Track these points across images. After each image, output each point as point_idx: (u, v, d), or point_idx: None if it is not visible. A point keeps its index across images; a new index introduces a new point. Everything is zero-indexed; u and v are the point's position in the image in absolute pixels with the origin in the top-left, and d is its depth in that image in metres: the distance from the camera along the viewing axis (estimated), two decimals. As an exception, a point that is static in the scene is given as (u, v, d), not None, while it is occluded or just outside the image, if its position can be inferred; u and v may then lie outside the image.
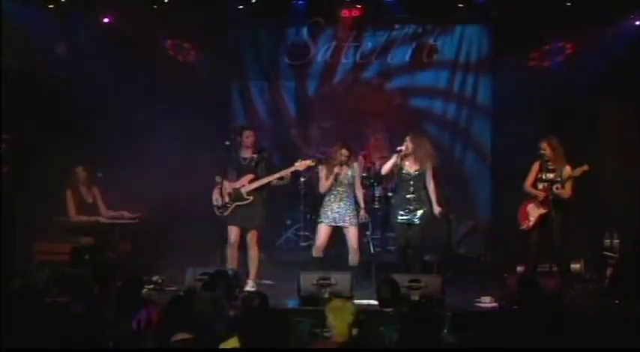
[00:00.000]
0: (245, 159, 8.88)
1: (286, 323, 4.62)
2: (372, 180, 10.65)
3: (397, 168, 8.65)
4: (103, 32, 10.40)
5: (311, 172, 10.11)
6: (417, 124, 11.28)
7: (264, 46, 11.51)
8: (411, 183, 8.60)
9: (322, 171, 8.84)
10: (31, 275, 8.52)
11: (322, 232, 8.79)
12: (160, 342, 5.07)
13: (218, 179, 8.90)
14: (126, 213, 9.41)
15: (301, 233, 10.80)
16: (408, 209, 8.61)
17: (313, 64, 11.59)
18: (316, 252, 8.81)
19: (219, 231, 9.02)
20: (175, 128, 10.34)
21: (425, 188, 8.66)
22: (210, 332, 4.99)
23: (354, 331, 5.14)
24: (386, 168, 8.73)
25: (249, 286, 8.66)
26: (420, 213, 8.60)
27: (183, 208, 10.09)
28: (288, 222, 11.17)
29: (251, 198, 8.77)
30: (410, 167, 8.63)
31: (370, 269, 9.19)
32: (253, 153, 8.88)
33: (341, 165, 8.73)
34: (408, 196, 8.62)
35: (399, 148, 8.58)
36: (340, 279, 7.96)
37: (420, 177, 8.61)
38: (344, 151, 8.76)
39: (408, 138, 8.64)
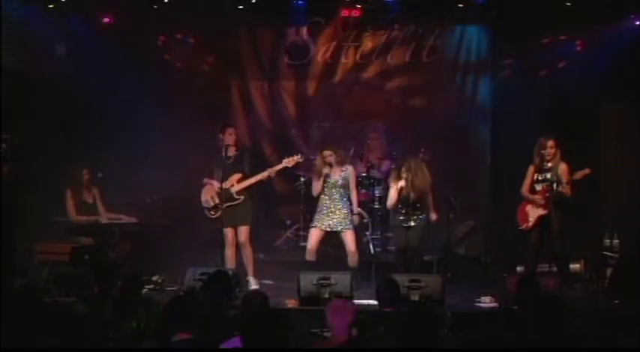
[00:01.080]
0: (229, 157, 8.89)
1: (286, 323, 4.61)
2: (371, 180, 10.65)
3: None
4: (103, 32, 10.39)
5: (311, 172, 10.12)
6: (416, 124, 11.31)
7: (264, 46, 11.51)
8: (410, 202, 8.65)
9: (314, 174, 8.90)
10: (31, 275, 8.51)
11: (313, 236, 8.85)
12: (160, 342, 5.07)
13: (205, 180, 8.92)
14: (124, 217, 9.41)
15: (301, 233, 10.79)
16: (407, 213, 8.64)
17: (313, 64, 11.59)
18: (309, 255, 8.83)
19: (218, 231, 9.02)
20: (175, 128, 10.35)
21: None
22: (210, 332, 4.99)
23: (354, 331, 5.14)
24: (392, 203, 8.73)
25: (252, 284, 8.69)
26: (418, 215, 8.64)
27: (183, 208, 10.09)
28: (288, 222, 11.17)
29: (242, 197, 8.78)
30: (408, 194, 8.63)
31: (370, 269, 9.19)
32: (236, 150, 8.90)
33: (331, 166, 8.74)
34: (406, 208, 8.67)
35: (400, 184, 8.58)
36: (340, 279, 7.96)
37: (420, 202, 8.64)
38: (325, 153, 8.79)
39: (404, 169, 8.64)
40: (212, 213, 8.88)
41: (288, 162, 8.81)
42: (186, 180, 10.06)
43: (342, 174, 8.83)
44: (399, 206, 8.70)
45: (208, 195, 8.90)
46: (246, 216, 8.86)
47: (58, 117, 10.01)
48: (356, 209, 8.97)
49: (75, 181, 9.31)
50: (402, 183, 8.59)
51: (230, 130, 8.90)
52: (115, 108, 10.29)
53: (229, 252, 8.85)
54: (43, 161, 9.63)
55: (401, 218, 8.67)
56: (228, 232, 8.85)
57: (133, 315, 5.67)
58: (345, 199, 8.83)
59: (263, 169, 8.90)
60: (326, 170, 8.76)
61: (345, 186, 8.85)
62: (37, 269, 8.77)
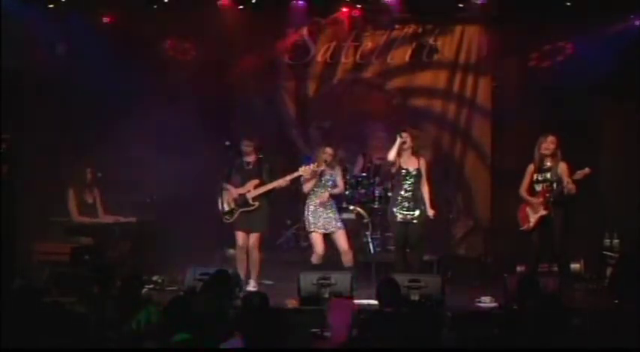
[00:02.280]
0: (249, 163, 8.92)
1: (286, 323, 4.62)
2: (371, 180, 10.65)
3: (397, 166, 8.68)
4: (103, 32, 10.39)
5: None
6: (416, 124, 11.29)
7: (264, 45, 11.50)
8: (409, 181, 8.63)
9: (306, 171, 8.85)
10: (31, 275, 8.51)
11: (319, 240, 8.80)
12: (160, 342, 5.07)
13: (224, 185, 8.91)
14: (121, 218, 9.41)
15: (301, 233, 10.79)
16: (405, 207, 8.63)
17: (313, 64, 11.58)
18: (317, 259, 8.79)
19: (219, 232, 9.02)
20: (175, 128, 10.34)
21: (419, 187, 8.70)
22: (210, 332, 4.99)
23: (354, 331, 5.15)
24: (392, 154, 8.71)
25: (251, 286, 8.69)
26: (417, 212, 8.64)
27: (183, 208, 10.09)
28: (288, 222, 11.16)
29: (257, 203, 8.79)
30: (408, 164, 8.66)
31: (370, 269, 9.19)
32: (257, 157, 8.91)
33: (326, 164, 8.76)
34: (405, 194, 8.64)
35: (402, 134, 8.59)
36: (340, 279, 7.96)
37: (418, 175, 8.64)
38: (327, 149, 8.82)
39: (404, 134, 8.66)
40: (227, 217, 8.88)
41: (304, 170, 8.77)
42: (187, 180, 10.08)
43: (331, 173, 8.86)
44: (398, 197, 8.70)
45: (225, 199, 8.90)
46: (261, 223, 8.87)
47: (58, 117, 10.01)
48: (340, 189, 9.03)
49: (78, 180, 9.30)
50: (404, 134, 8.61)
51: (246, 143, 8.88)
52: (115, 108, 10.29)
53: (240, 255, 8.87)
54: (43, 161, 9.63)
55: (399, 212, 8.65)
56: (240, 235, 8.86)
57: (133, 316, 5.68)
58: (331, 199, 8.86)
59: (276, 175, 8.88)
60: (322, 167, 8.78)
61: (330, 186, 8.86)
62: (37, 269, 8.77)
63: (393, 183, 8.92)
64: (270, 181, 8.82)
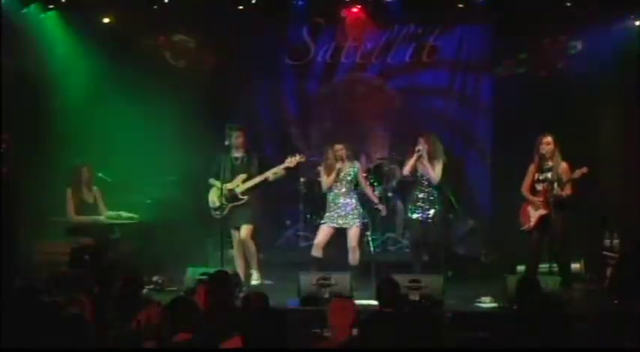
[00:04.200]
0: (237, 158, 8.95)
1: (286, 323, 4.62)
2: (372, 180, 10.65)
3: (412, 169, 8.76)
4: (103, 32, 10.39)
5: (311, 173, 10.14)
6: (416, 124, 11.30)
7: (264, 46, 11.50)
8: (425, 183, 8.73)
9: (322, 170, 8.95)
10: (31, 275, 8.51)
11: (323, 231, 8.89)
12: (160, 342, 5.07)
13: (212, 181, 8.92)
14: (124, 213, 9.41)
15: (301, 233, 10.80)
16: (421, 207, 8.72)
17: (313, 64, 11.59)
18: (315, 250, 8.86)
19: (219, 231, 9.02)
20: (175, 128, 10.35)
21: (437, 187, 8.74)
22: (210, 332, 4.99)
23: (354, 331, 5.15)
24: (407, 169, 8.82)
25: (255, 278, 8.75)
26: (432, 211, 8.75)
27: (183, 208, 10.09)
28: (288, 223, 11.17)
29: (246, 197, 8.81)
30: (423, 168, 8.71)
31: (370, 269, 9.20)
32: (244, 152, 8.92)
33: (342, 160, 8.78)
34: (421, 195, 8.78)
35: (417, 148, 8.64)
36: (340, 279, 7.97)
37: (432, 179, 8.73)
38: (337, 147, 8.85)
39: (421, 139, 8.71)
40: (217, 213, 8.91)
41: (290, 162, 8.84)
42: (187, 180, 10.08)
43: (352, 169, 8.89)
44: (414, 198, 8.78)
45: (215, 195, 8.91)
46: (250, 216, 8.88)
47: (58, 118, 10.01)
48: (376, 200, 9.21)
49: (75, 180, 9.29)
50: (420, 147, 8.66)
51: (236, 134, 8.91)
52: (115, 108, 10.29)
53: (237, 251, 8.91)
54: (43, 161, 9.63)
55: (416, 211, 8.76)
56: (235, 233, 8.91)
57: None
58: (350, 195, 8.89)
59: (266, 170, 8.91)
60: (339, 164, 8.82)
61: (353, 181, 8.90)
62: (37, 269, 8.76)
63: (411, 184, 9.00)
64: (258, 175, 8.82)
